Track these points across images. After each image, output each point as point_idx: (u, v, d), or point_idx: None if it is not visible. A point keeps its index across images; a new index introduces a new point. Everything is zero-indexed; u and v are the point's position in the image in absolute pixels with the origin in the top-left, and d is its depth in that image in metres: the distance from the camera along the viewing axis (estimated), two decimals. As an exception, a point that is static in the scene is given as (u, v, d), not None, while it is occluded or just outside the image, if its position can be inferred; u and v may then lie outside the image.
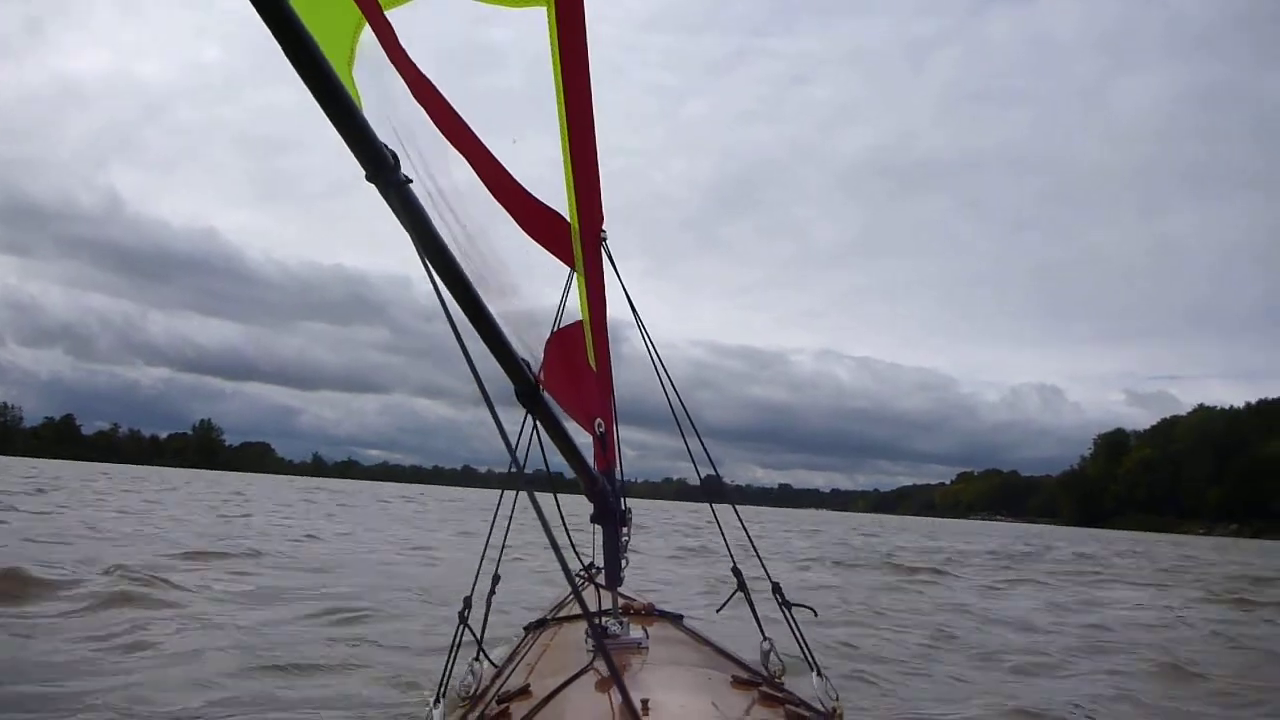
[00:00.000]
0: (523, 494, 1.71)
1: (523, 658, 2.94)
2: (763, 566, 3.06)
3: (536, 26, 2.37)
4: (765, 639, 2.70)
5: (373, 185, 1.52)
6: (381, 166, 1.49)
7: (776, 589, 2.86)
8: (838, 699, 2.37)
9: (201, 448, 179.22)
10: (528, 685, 2.33)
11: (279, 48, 1.27)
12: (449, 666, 2.57)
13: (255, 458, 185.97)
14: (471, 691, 2.57)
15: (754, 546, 3.22)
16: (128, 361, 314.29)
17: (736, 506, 3.40)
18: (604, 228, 3.00)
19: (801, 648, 2.67)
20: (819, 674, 2.47)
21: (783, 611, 2.81)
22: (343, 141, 1.43)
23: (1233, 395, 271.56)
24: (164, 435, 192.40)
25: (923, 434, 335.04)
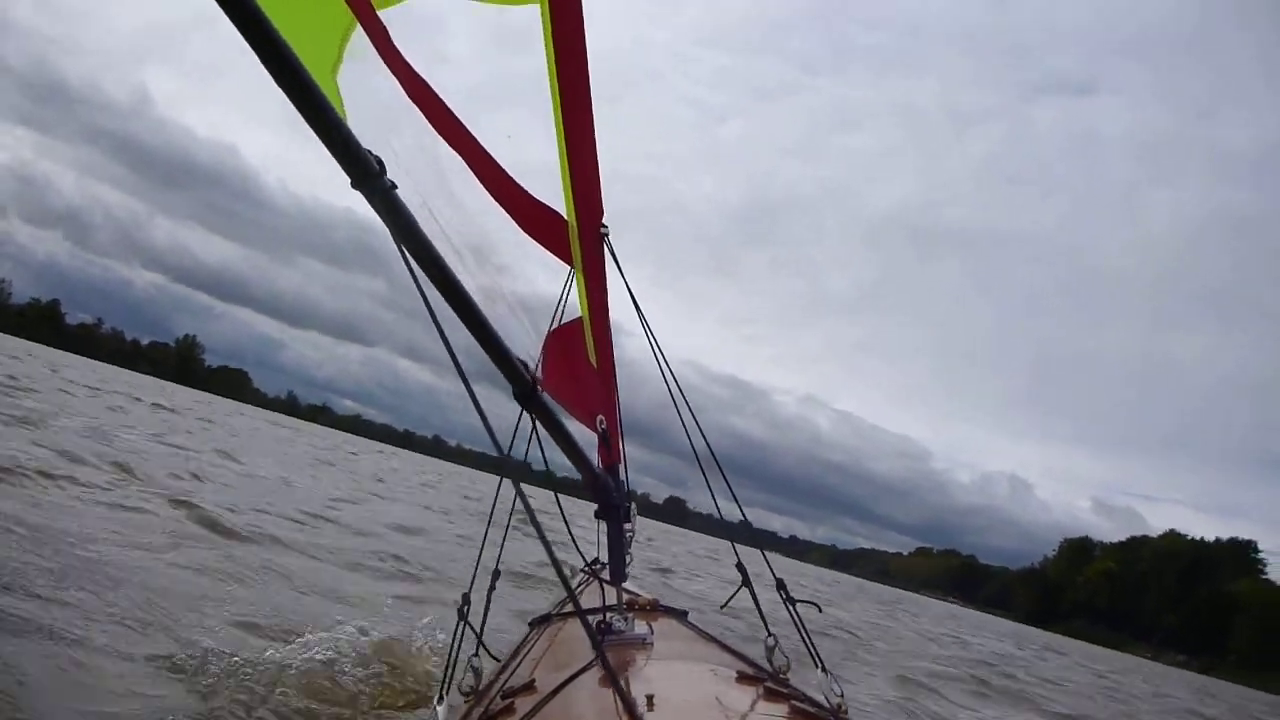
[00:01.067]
0: (507, 494, 1.63)
1: (527, 653, 2.95)
2: (767, 564, 3.02)
3: (532, 24, 2.36)
4: (770, 635, 2.68)
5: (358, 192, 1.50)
6: (366, 174, 1.47)
7: (781, 585, 2.84)
8: (842, 695, 2.34)
9: (180, 363, 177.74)
10: (533, 680, 2.33)
11: (257, 59, 1.25)
12: (451, 663, 2.55)
13: (231, 383, 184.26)
14: (475, 687, 2.58)
15: (759, 544, 3.21)
16: (125, 260, 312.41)
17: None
18: (605, 223, 2.95)
19: (806, 643, 2.65)
20: (823, 670, 2.46)
21: (787, 608, 2.79)
22: (328, 151, 1.42)
23: (1200, 526, 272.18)
24: (145, 341, 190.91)
25: (890, 499, 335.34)
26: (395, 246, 1.59)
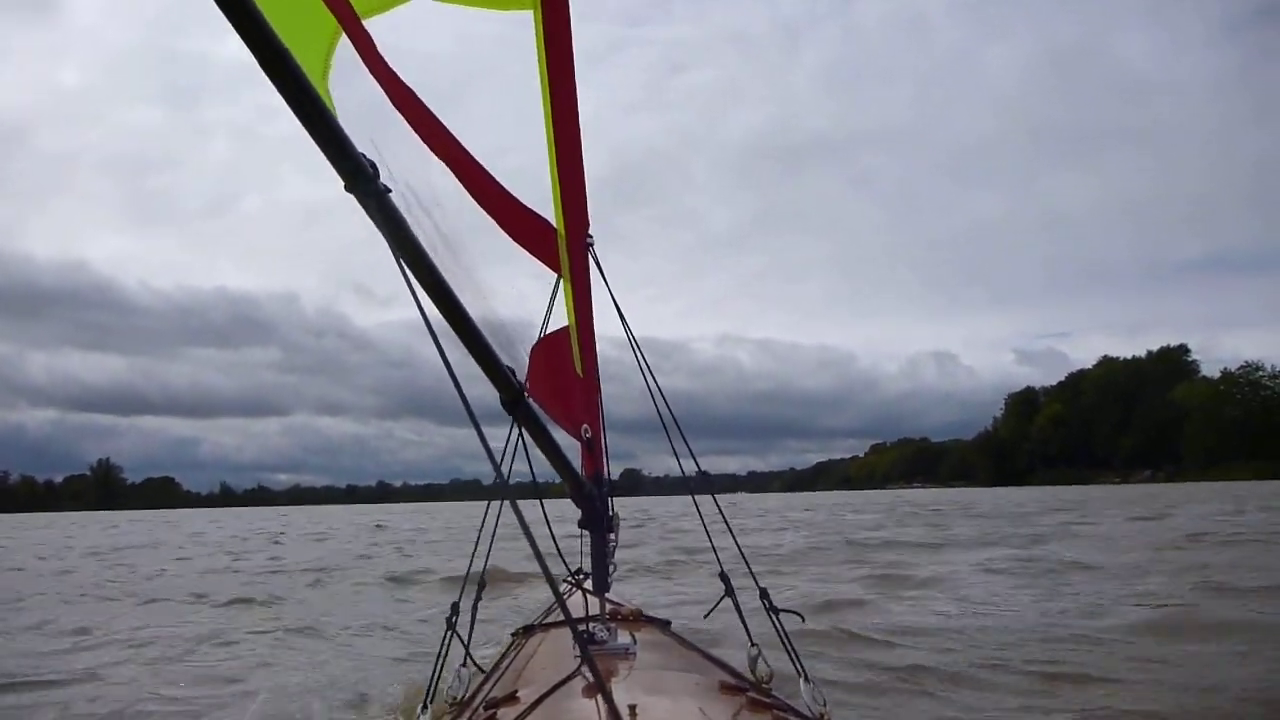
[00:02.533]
0: (505, 502, 1.68)
1: (510, 663, 2.94)
2: (750, 573, 3.00)
3: (521, 30, 2.37)
4: (753, 645, 2.67)
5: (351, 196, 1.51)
6: (360, 176, 1.47)
7: (764, 594, 2.85)
8: (825, 705, 2.33)
9: (102, 488, 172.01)
10: (515, 691, 2.31)
11: (256, 61, 1.27)
12: (436, 672, 2.58)
13: (159, 493, 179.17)
14: (459, 697, 2.58)
15: (741, 553, 3.16)
16: (9, 404, 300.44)
17: (716, 498, 3.40)
18: (590, 234, 2.99)
19: (789, 653, 2.64)
20: (807, 680, 2.45)
21: (770, 617, 2.80)
22: (322, 153, 1.43)
23: (1120, 347, 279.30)
24: (60, 479, 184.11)
25: (828, 410, 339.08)
26: (390, 251, 1.56)
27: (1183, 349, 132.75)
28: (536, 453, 2.66)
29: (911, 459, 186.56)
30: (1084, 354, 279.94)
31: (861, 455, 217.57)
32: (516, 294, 2.82)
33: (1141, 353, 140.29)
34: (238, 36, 1.24)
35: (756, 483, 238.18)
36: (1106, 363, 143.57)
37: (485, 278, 2.40)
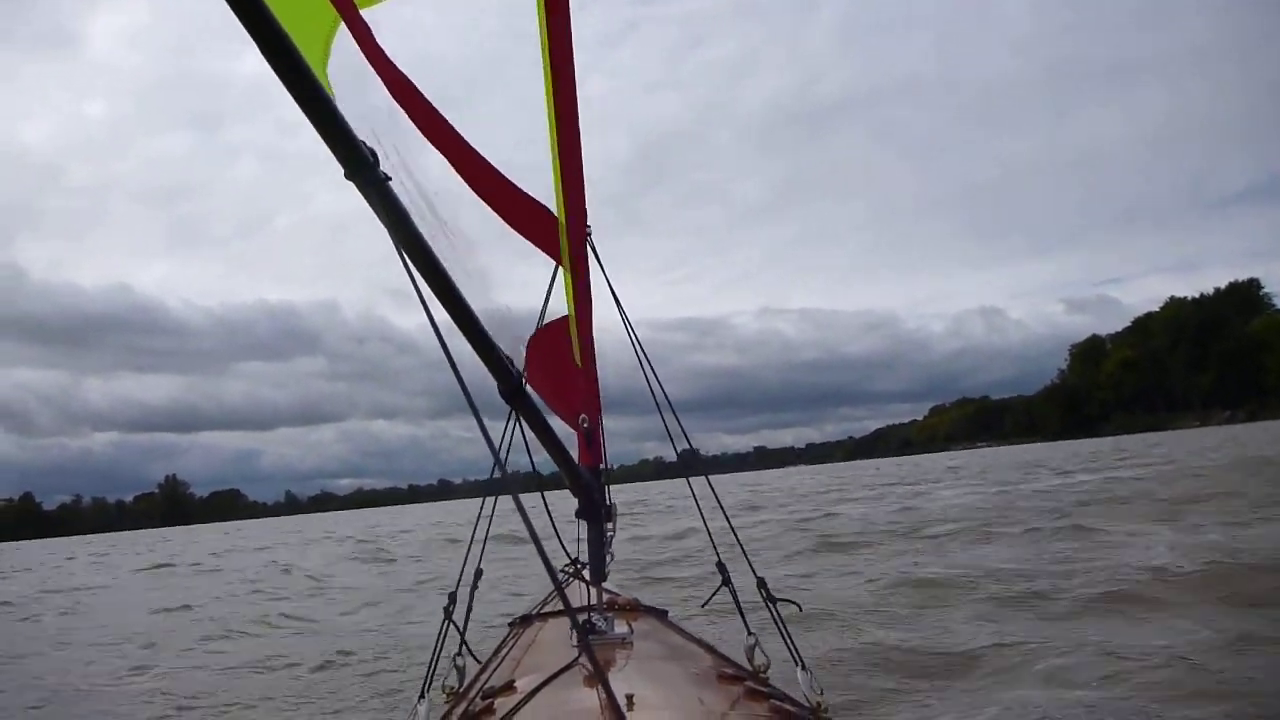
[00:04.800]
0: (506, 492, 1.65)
1: (508, 653, 2.92)
2: (748, 561, 2.99)
3: (521, 18, 2.37)
4: (750, 634, 2.65)
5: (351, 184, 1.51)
6: (360, 164, 1.47)
7: (761, 584, 2.83)
8: (822, 693, 2.32)
9: (170, 505, 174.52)
10: (512, 681, 2.32)
11: (256, 48, 1.26)
12: (434, 662, 2.56)
13: (226, 506, 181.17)
14: (457, 687, 2.57)
15: (738, 539, 3.12)
16: (74, 431, 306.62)
17: (711, 479, 3.30)
18: (589, 223, 2.99)
19: (786, 643, 2.62)
20: (804, 669, 2.43)
21: (768, 606, 2.78)
22: (322, 140, 1.42)
23: (1175, 288, 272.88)
24: (129, 498, 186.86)
25: (878, 374, 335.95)
26: (390, 240, 1.58)
27: (1254, 283, 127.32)
28: (536, 443, 2.62)
29: (973, 418, 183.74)
30: (1137, 298, 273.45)
31: (920, 419, 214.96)
32: (516, 283, 2.81)
33: (1198, 292, 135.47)
34: (241, 26, 1.22)
35: (817, 454, 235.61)
36: (1174, 303, 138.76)
37: (485, 267, 2.35)
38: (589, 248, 3.01)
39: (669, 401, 3.17)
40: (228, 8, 1.21)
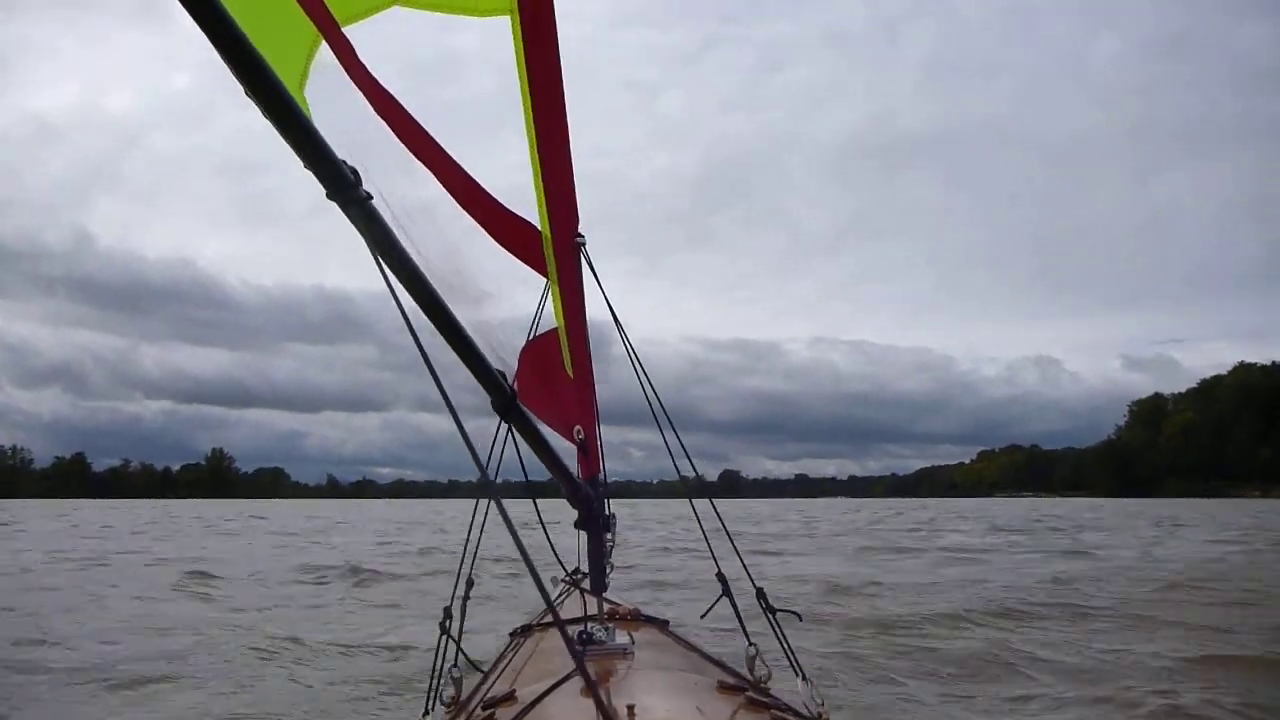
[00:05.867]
0: (495, 502, 1.60)
1: (508, 663, 2.94)
2: (746, 572, 2.99)
3: (502, 34, 2.37)
4: (750, 644, 2.65)
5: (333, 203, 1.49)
6: (342, 184, 1.45)
7: (761, 594, 2.84)
8: (823, 704, 2.31)
9: (215, 477, 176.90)
10: (513, 691, 2.32)
11: (229, 70, 1.24)
12: (435, 677, 2.56)
13: (270, 484, 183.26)
14: (456, 697, 2.57)
15: (738, 552, 3.14)
16: (127, 396, 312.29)
17: (715, 503, 3.33)
18: (581, 233, 2.98)
19: (786, 653, 2.64)
20: (804, 679, 2.43)
21: (767, 617, 2.80)
22: (302, 162, 1.39)
23: (1239, 354, 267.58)
24: (176, 466, 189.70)
25: (927, 414, 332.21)
26: (373, 258, 1.56)
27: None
28: (530, 454, 2.62)
29: (1022, 466, 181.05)
30: (1198, 361, 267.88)
31: (967, 462, 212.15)
32: (506, 298, 2.80)
33: (1269, 360, 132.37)
34: (213, 46, 1.20)
35: (856, 487, 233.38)
36: (1243, 369, 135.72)
37: (474, 283, 2.36)
38: (582, 258, 3.00)
39: (670, 419, 3.18)
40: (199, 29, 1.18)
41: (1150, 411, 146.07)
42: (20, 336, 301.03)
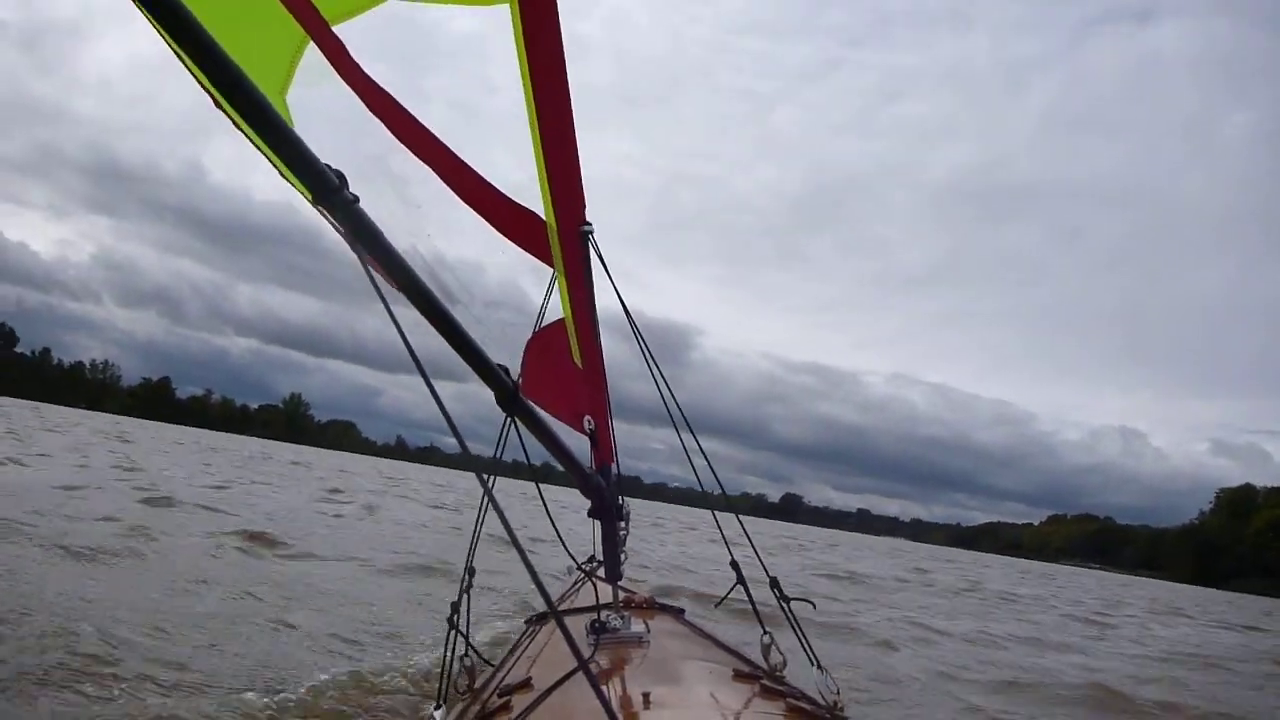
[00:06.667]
0: (509, 494, 1.55)
1: (524, 651, 2.97)
2: (760, 562, 2.95)
3: (502, 23, 2.35)
4: (765, 633, 2.66)
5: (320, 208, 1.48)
6: (327, 189, 1.43)
7: (775, 584, 2.84)
8: (838, 693, 2.31)
9: (290, 422, 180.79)
10: (529, 678, 2.33)
11: (198, 83, 1.24)
12: (446, 669, 2.59)
13: (342, 436, 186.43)
14: (470, 685, 2.61)
15: (752, 544, 3.10)
16: (218, 330, 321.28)
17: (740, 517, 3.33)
18: (588, 221, 2.97)
19: (801, 641, 2.64)
20: (819, 668, 2.44)
21: (781, 606, 2.79)
22: (284, 171, 1.41)
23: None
24: (254, 405, 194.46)
25: (1000, 469, 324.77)
26: (359, 262, 1.54)
27: None
28: (536, 446, 2.57)
29: (1092, 537, 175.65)
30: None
31: (1035, 523, 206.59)
32: (513, 290, 2.85)
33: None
34: (179, 58, 1.19)
35: (918, 531, 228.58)
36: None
37: (475, 278, 2.36)
38: (590, 248, 2.98)
39: (685, 419, 3.10)
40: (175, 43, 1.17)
41: (1239, 501, 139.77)
42: (127, 256, 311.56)
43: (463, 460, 1.45)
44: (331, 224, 1.52)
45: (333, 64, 1.76)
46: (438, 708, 2.46)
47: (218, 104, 1.23)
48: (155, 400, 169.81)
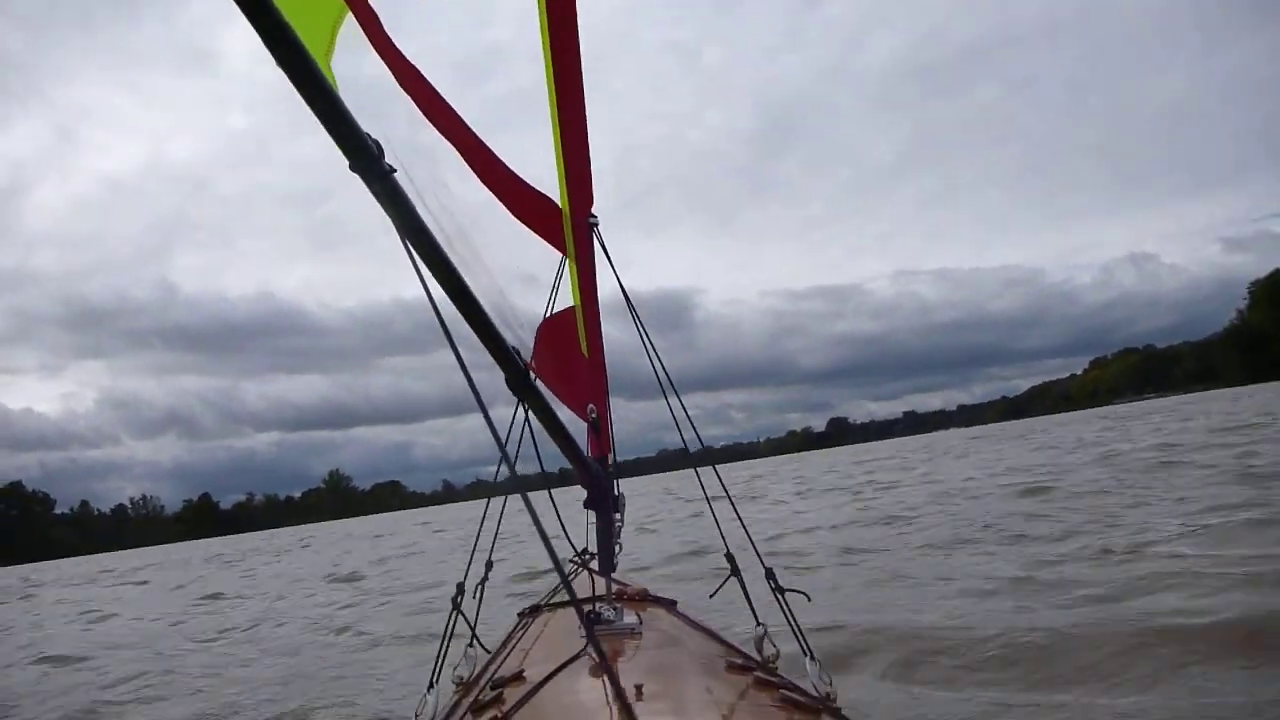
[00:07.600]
0: (515, 484, 1.66)
1: (517, 643, 2.92)
2: (755, 552, 2.99)
3: (529, 13, 2.36)
4: (759, 624, 2.66)
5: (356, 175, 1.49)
6: (366, 157, 1.46)
7: (770, 574, 2.83)
8: (831, 683, 2.31)
9: (336, 498, 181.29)
10: (521, 670, 2.32)
11: (260, 40, 1.25)
12: (442, 653, 2.57)
13: (389, 496, 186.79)
14: (466, 677, 2.61)
15: (746, 530, 3.12)
16: (238, 432, 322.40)
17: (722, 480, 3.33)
18: (594, 212, 2.97)
19: (795, 633, 2.61)
20: (813, 659, 2.43)
21: (776, 597, 2.77)
22: (326, 132, 1.41)
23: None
24: (297, 494, 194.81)
25: (1026, 331, 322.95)
26: (396, 232, 1.58)
27: None
28: (543, 434, 2.60)
29: (1138, 369, 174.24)
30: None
31: (1078, 373, 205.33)
32: (525, 275, 2.81)
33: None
34: (242, 14, 1.21)
35: (970, 416, 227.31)
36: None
37: (492, 258, 2.35)
38: (595, 238, 2.98)
39: (673, 386, 3.05)
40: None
41: (1274, 288, 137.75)
42: (129, 391, 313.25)
43: (492, 455, 1.43)
44: (370, 192, 1.50)
45: (368, 36, 1.78)
46: (429, 689, 2.45)
47: (277, 62, 1.24)
48: (202, 519, 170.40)
